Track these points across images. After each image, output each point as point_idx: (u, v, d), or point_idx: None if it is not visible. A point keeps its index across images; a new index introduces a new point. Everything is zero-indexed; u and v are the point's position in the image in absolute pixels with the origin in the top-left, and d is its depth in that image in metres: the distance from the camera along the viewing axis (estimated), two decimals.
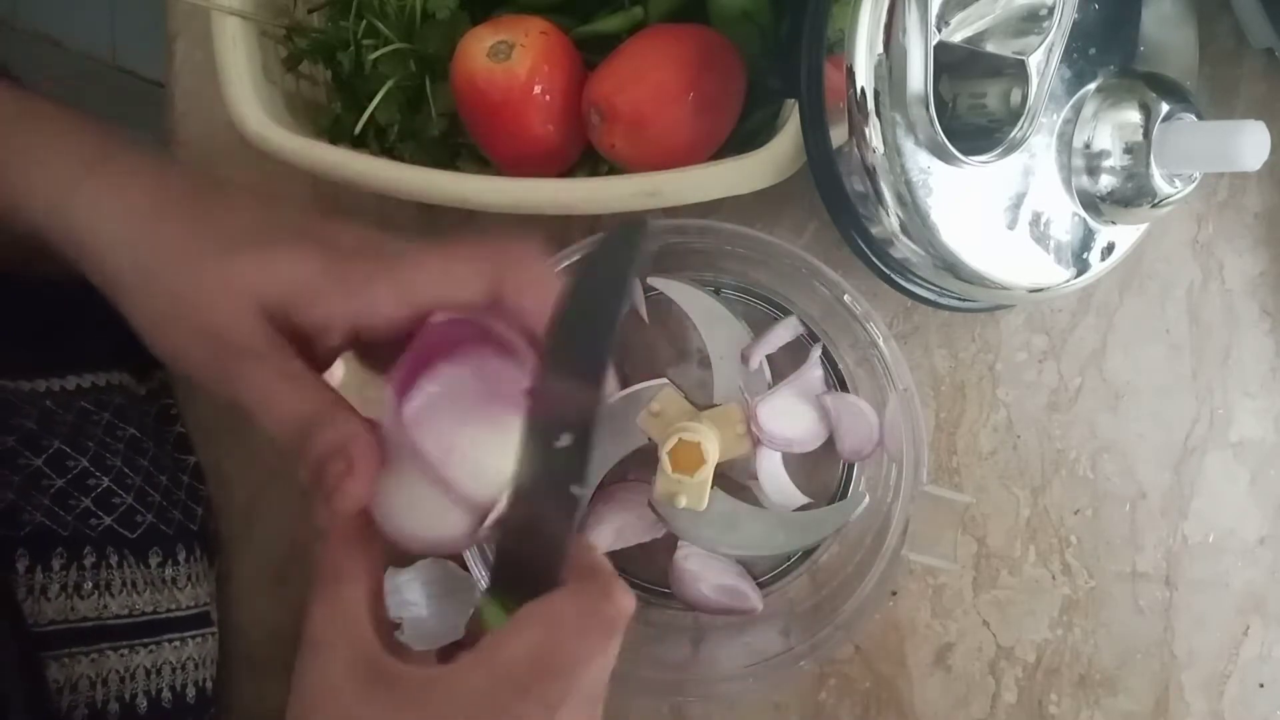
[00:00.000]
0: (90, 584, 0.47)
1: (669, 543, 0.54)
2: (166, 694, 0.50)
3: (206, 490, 0.57)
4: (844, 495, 0.55)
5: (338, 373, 0.51)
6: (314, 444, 0.31)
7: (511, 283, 0.33)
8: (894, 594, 0.55)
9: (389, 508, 0.33)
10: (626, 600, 0.33)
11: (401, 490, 0.33)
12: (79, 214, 0.35)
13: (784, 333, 0.53)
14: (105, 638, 0.47)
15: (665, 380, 0.54)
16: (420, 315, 0.33)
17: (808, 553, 0.55)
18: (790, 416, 0.53)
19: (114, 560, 0.49)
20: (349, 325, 0.33)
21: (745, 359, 0.53)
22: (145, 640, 0.49)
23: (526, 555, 0.33)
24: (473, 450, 0.32)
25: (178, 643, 0.51)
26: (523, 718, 0.31)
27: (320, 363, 0.35)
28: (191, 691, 0.51)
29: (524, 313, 0.33)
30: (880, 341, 0.48)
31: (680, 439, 0.50)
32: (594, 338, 0.32)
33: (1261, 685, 0.54)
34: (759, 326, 0.54)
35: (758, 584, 0.55)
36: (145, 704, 0.48)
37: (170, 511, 0.53)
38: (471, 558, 0.47)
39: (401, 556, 0.53)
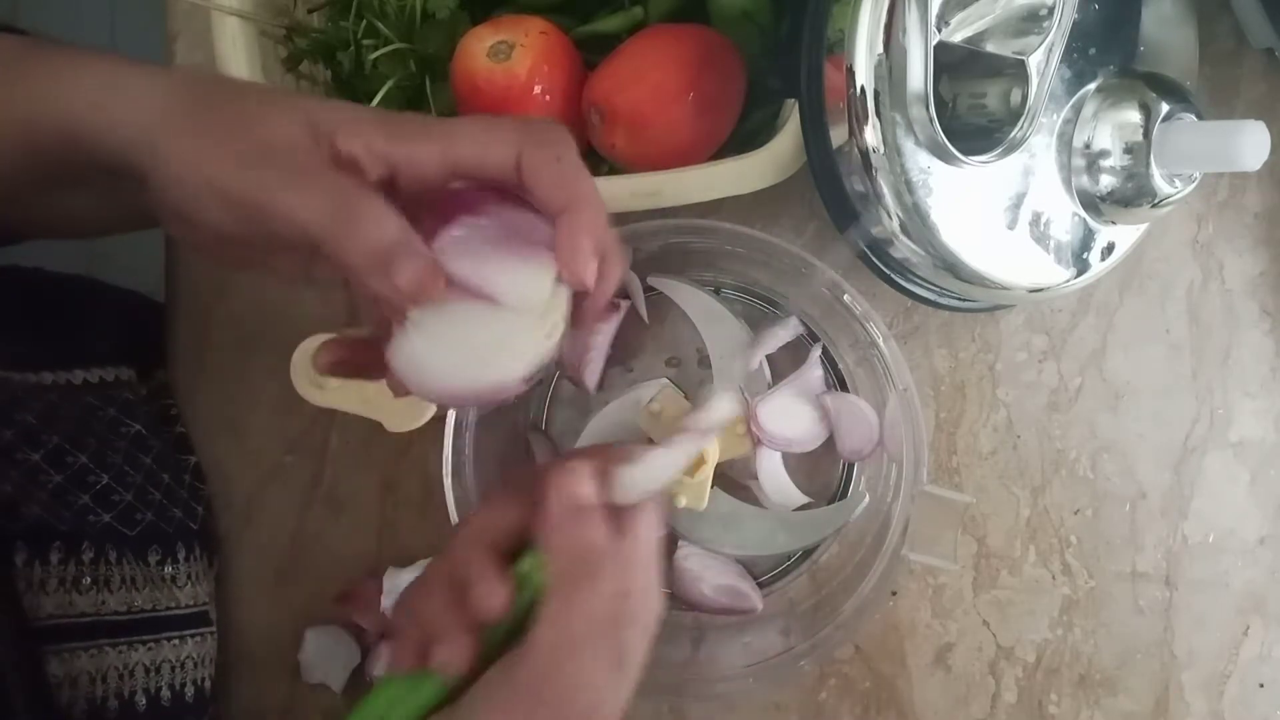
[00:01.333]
0: (89, 579, 0.47)
1: (669, 543, 0.54)
2: (165, 692, 0.50)
3: (207, 490, 0.57)
4: (844, 495, 0.55)
5: (332, 380, 0.51)
6: (398, 271, 0.32)
7: (527, 159, 0.34)
8: (894, 594, 0.55)
9: (431, 364, 0.33)
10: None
11: (444, 342, 0.33)
12: (123, 93, 0.35)
13: (784, 333, 0.53)
14: (103, 634, 0.47)
15: (665, 380, 0.54)
16: (454, 175, 0.34)
17: (808, 553, 0.55)
18: (790, 416, 0.53)
19: (113, 556, 0.49)
20: (387, 167, 0.34)
21: (745, 359, 0.53)
22: (144, 637, 0.49)
23: None
24: (506, 278, 0.33)
25: (176, 641, 0.51)
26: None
27: None
28: (190, 690, 0.51)
29: (530, 193, 0.34)
30: (880, 341, 0.48)
31: None
32: None
33: (1261, 685, 0.54)
34: (759, 326, 0.54)
35: (758, 584, 0.55)
36: (144, 701, 0.48)
37: (171, 510, 0.53)
38: None
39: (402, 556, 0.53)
